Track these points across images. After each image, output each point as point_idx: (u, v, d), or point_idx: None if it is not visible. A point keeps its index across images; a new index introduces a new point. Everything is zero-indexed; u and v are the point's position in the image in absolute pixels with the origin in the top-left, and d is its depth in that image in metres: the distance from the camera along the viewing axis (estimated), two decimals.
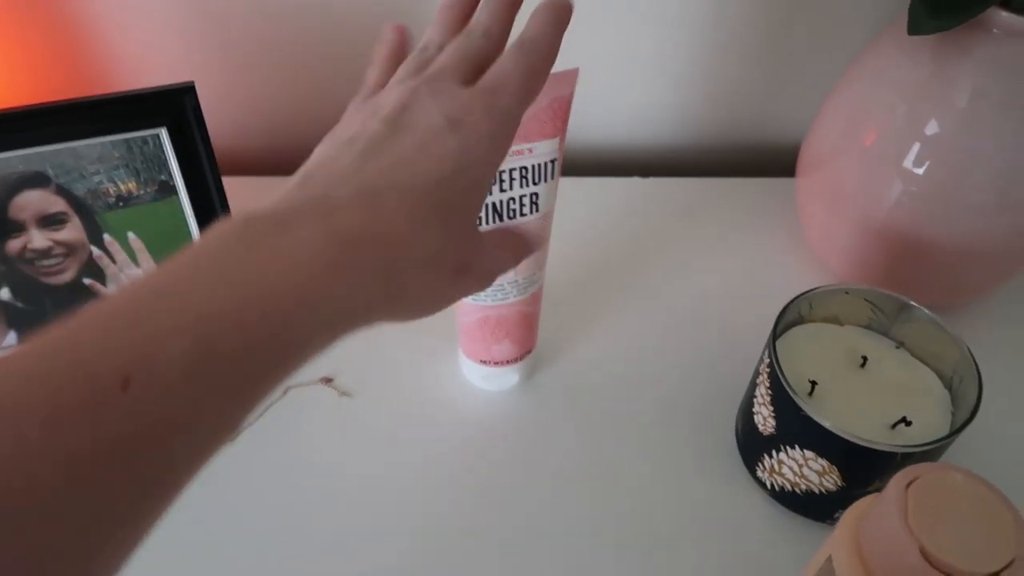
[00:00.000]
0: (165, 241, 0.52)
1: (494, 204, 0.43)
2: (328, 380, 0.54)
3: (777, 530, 0.47)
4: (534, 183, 0.43)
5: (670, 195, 0.69)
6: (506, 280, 0.47)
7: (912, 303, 0.47)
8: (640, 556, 0.46)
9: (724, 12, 0.65)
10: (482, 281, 0.30)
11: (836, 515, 0.46)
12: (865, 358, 0.47)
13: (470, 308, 0.48)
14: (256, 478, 0.49)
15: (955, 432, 0.41)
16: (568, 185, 0.67)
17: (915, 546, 0.25)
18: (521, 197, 0.44)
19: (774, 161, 0.73)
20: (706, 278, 0.62)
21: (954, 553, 0.25)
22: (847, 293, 0.48)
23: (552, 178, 0.44)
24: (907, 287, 0.48)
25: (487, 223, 0.44)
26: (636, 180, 0.69)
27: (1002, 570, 0.25)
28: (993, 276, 0.55)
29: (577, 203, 0.66)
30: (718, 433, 0.52)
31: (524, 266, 0.46)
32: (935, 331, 0.46)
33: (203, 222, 0.51)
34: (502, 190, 0.43)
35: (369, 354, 0.56)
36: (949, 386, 0.46)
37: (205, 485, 0.49)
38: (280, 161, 0.73)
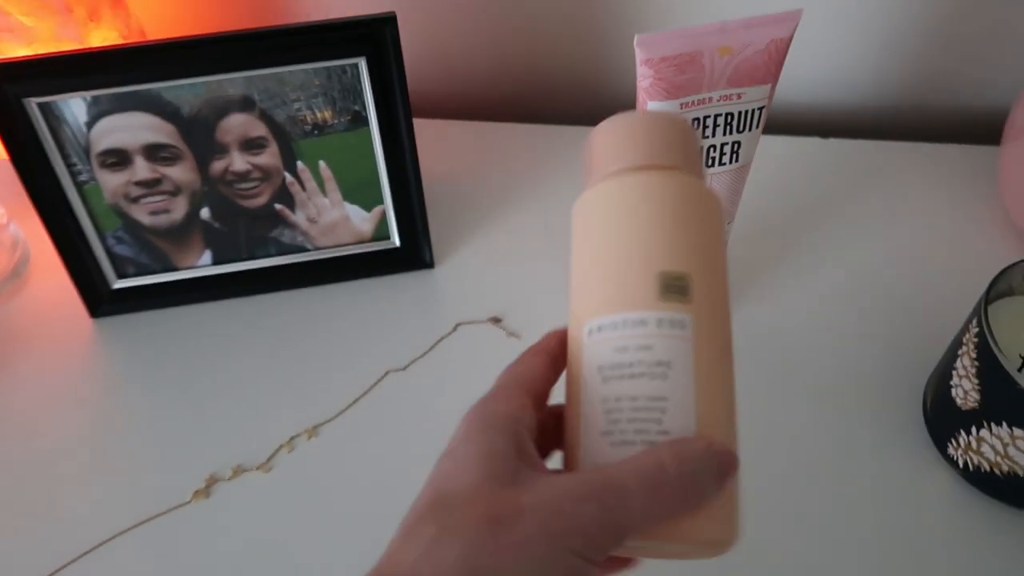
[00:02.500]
0: (352, 171, 0.53)
1: None
2: (496, 320, 0.54)
3: (969, 513, 0.44)
4: (738, 131, 0.42)
5: (855, 157, 0.65)
6: None
7: None
8: (819, 534, 0.44)
9: None
10: None
11: None
12: None
13: None
14: (422, 405, 0.50)
15: None
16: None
17: None
18: (723, 145, 0.42)
19: (968, 127, 0.68)
20: (893, 244, 0.58)
21: None
22: None
23: (757, 127, 0.42)
24: None
25: None
26: (818, 140, 0.66)
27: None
28: None
29: (761, 159, 0.64)
30: (904, 406, 0.49)
31: None
32: None
33: (390, 156, 0.52)
34: (704, 136, 0.41)
35: (535, 297, 0.56)
36: None
37: (376, 408, 0.49)
38: (464, 105, 0.74)
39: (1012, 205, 0.56)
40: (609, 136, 0.29)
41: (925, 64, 0.66)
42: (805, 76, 0.68)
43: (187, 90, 0.48)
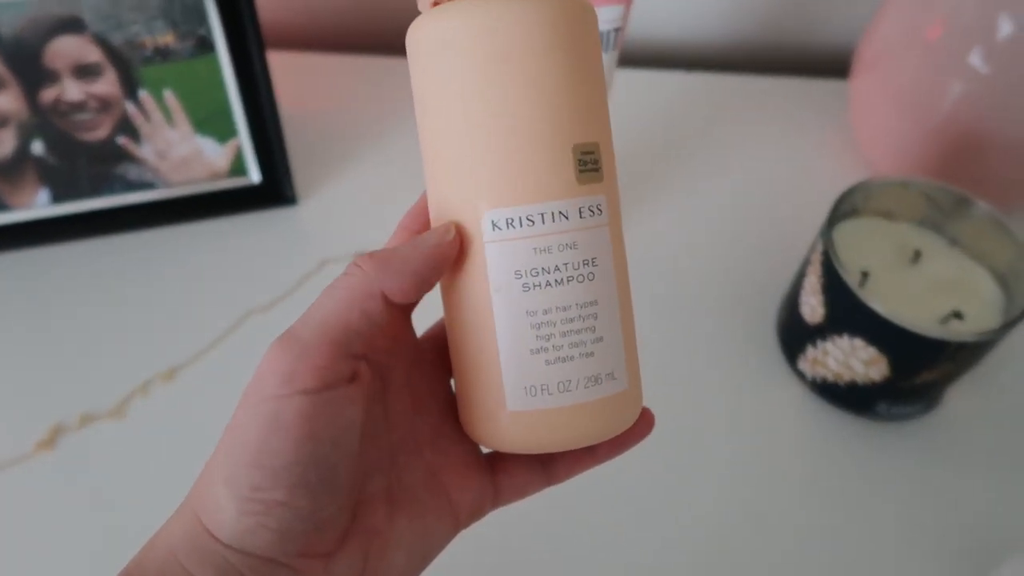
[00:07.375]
0: (201, 101, 0.50)
1: None
2: None
3: (814, 421, 0.47)
4: None
5: (715, 90, 0.66)
6: None
7: (972, 198, 0.46)
8: (674, 444, 0.46)
9: None
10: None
11: (877, 407, 0.45)
12: (918, 252, 0.46)
13: None
14: None
15: (1009, 325, 0.41)
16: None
17: None
18: None
19: (820, 63, 0.71)
20: (749, 174, 0.60)
21: None
22: (905, 186, 0.47)
23: (613, 48, 0.42)
24: (961, 186, 0.47)
25: None
26: (681, 74, 0.67)
27: None
28: None
29: (622, 93, 0.64)
30: (758, 324, 0.51)
31: None
32: (993, 228, 0.45)
33: (244, 84, 0.49)
34: None
35: None
36: (1003, 284, 0.45)
37: (238, 350, 0.46)
38: (323, 36, 0.70)
39: (861, 134, 0.59)
40: None
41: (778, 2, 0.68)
42: (664, 10, 0.69)
43: (5, 9, 0.44)
